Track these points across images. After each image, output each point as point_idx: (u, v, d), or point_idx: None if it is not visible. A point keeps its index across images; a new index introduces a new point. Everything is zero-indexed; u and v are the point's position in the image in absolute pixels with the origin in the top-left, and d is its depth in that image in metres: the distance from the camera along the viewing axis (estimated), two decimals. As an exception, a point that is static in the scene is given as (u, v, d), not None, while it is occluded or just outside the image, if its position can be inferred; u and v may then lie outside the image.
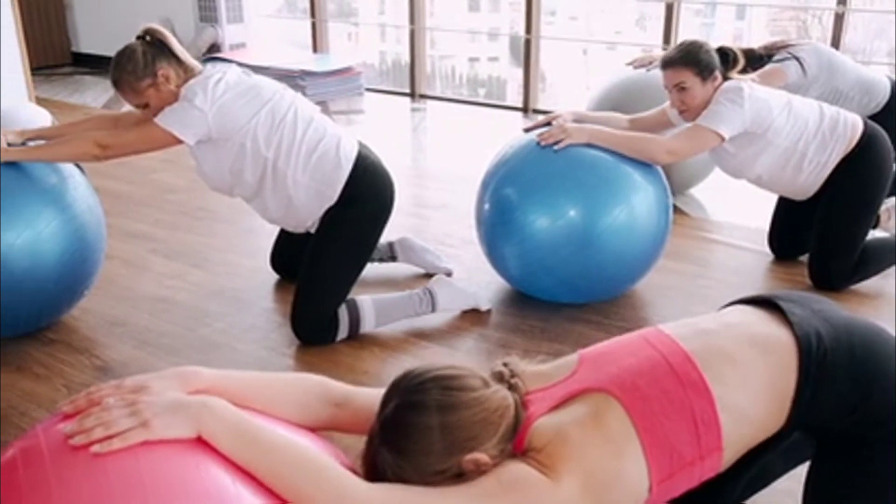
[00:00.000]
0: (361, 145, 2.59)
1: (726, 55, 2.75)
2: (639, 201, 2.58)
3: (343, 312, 2.51)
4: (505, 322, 2.69)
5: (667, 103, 2.87)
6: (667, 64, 2.73)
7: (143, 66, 2.39)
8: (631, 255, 2.61)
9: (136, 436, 1.09)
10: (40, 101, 4.73)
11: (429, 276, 2.96)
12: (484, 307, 2.73)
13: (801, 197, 2.91)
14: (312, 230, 2.57)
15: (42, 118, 3.34)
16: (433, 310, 2.64)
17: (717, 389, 1.32)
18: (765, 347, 1.38)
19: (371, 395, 1.37)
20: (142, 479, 1.04)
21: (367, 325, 2.56)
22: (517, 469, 1.23)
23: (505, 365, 1.37)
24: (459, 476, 1.22)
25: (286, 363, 2.45)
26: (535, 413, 1.31)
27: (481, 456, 1.22)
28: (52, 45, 7.40)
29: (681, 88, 2.70)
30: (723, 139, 2.64)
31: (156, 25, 2.46)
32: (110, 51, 8.24)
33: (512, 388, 1.32)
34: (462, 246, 3.28)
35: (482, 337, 2.61)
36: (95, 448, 1.07)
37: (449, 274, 2.96)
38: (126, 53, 2.41)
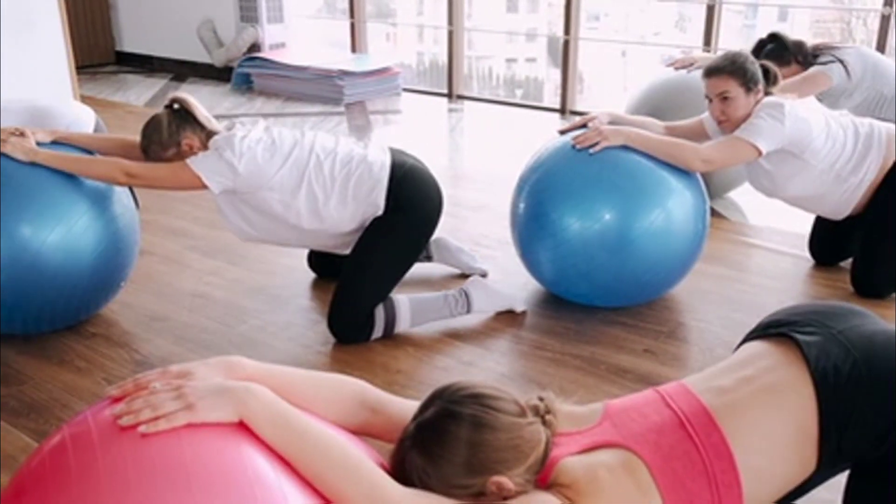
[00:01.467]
0: (394, 153, 2.61)
1: (767, 71, 2.72)
2: (675, 205, 2.55)
3: (379, 312, 2.52)
4: (539, 324, 2.68)
5: (704, 114, 2.84)
6: (711, 72, 2.70)
7: (168, 136, 2.46)
8: (667, 259, 2.59)
9: (182, 418, 1.12)
10: (84, 99, 4.81)
11: (464, 276, 2.97)
12: (519, 309, 2.73)
13: (835, 217, 2.89)
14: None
15: (86, 116, 3.39)
16: (468, 311, 2.65)
17: (738, 450, 1.34)
18: (783, 397, 1.39)
19: (405, 405, 1.39)
20: (185, 460, 1.06)
21: (403, 325, 2.57)
22: (546, 499, 1.24)
23: (541, 399, 1.38)
24: (481, 495, 1.23)
25: (321, 361, 2.47)
26: (560, 455, 1.33)
27: (506, 480, 1.23)
28: (97, 44, 7.54)
29: (724, 98, 2.67)
30: (760, 153, 2.60)
31: (181, 94, 2.53)
32: (152, 50, 8.32)
33: (545, 423, 1.34)
34: (498, 247, 3.28)
35: (516, 338, 2.60)
36: (142, 428, 1.10)
37: (484, 275, 2.96)
38: (153, 124, 2.49)
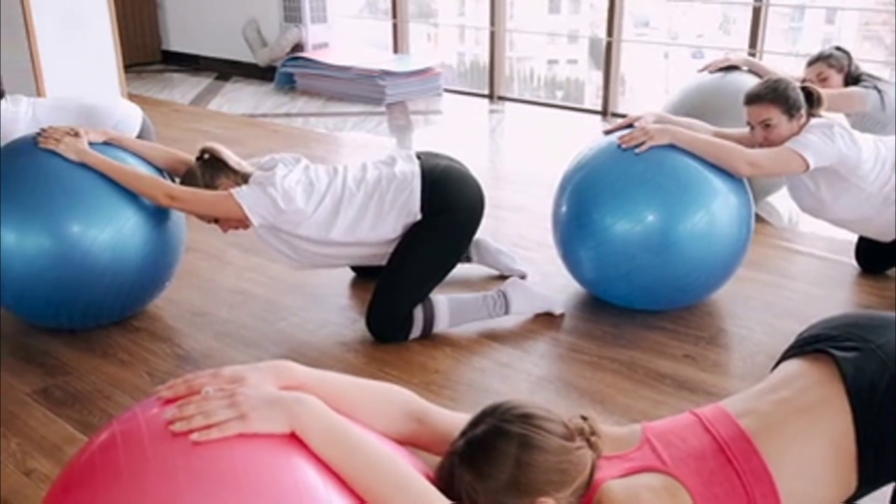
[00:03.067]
0: (423, 158, 2.62)
1: (809, 94, 2.68)
2: (720, 208, 2.52)
3: (418, 312, 2.53)
4: (578, 327, 2.67)
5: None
6: (752, 100, 2.66)
7: (203, 186, 2.49)
8: (710, 263, 2.56)
9: (234, 427, 1.11)
10: (132, 97, 4.90)
11: (503, 277, 2.96)
12: (557, 311, 2.71)
13: (883, 239, 2.84)
14: None
15: (134, 113, 3.46)
16: (506, 312, 2.64)
17: (778, 474, 1.34)
18: (820, 417, 1.38)
19: (452, 417, 1.40)
20: (236, 470, 1.06)
21: (441, 325, 2.57)
22: None
23: (584, 419, 1.38)
24: None
25: (359, 359, 2.48)
26: (603, 478, 1.32)
27: (552, 502, 1.23)
28: (144, 43, 7.67)
29: (766, 125, 2.63)
30: (808, 167, 2.56)
31: (211, 144, 2.56)
32: (198, 49, 8.44)
33: (591, 446, 1.34)
34: (537, 249, 3.27)
35: (554, 341, 2.59)
36: (194, 436, 1.10)
37: (523, 276, 2.95)
38: (188, 176, 2.53)
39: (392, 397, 1.39)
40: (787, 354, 1.58)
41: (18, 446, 2.06)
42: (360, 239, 2.52)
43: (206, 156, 2.53)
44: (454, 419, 1.37)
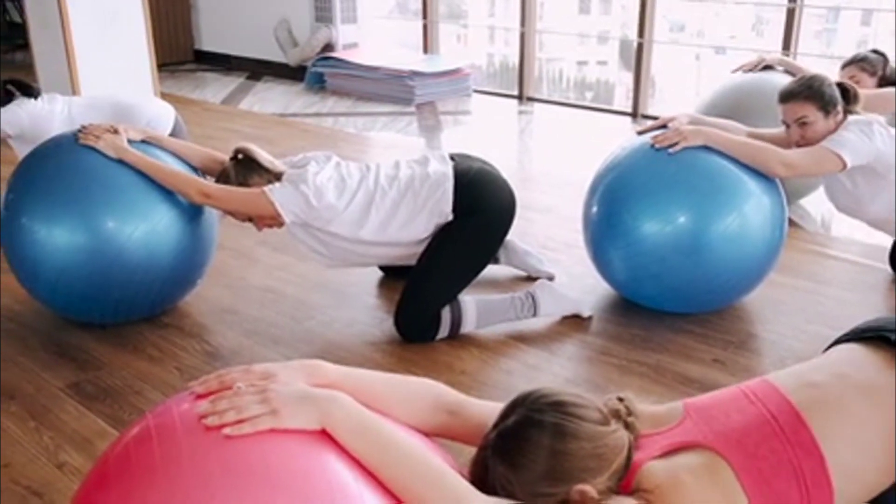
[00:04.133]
0: (457, 159, 2.62)
1: (846, 91, 2.64)
2: (753, 210, 2.50)
3: (446, 312, 2.53)
4: (606, 329, 2.65)
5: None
6: (787, 97, 2.63)
7: (237, 185, 2.52)
8: (742, 265, 2.54)
9: (266, 422, 1.12)
10: (164, 96, 4.96)
11: (531, 279, 2.95)
12: (585, 313, 2.70)
13: None
14: None
15: (166, 112, 3.50)
16: (534, 314, 2.63)
17: (828, 448, 1.30)
18: (875, 399, 1.35)
19: (484, 407, 1.39)
20: (269, 464, 1.07)
21: (468, 326, 2.57)
22: None
23: (620, 400, 1.36)
24: (565, 503, 1.22)
25: (386, 359, 2.49)
26: (642, 458, 1.30)
27: (589, 489, 1.21)
28: (177, 43, 7.75)
29: (802, 123, 2.60)
30: (844, 165, 2.52)
31: (244, 144, 2.59)
32: (230, 49, 8.50)
33: (628, 427, 1.32)
34: (565, 250, 3.26)
35: (583, 343, 2.58)
36: (227, 431, 1.11)
37: (551, 278, 2.94)
38: (222, 176, 2.56)
39: (423, 391, 1.38)
40: (841, 340, 1.53)
41: (51, 440, 2.09)
42: (391, 238, 2.53)
43: (240, 156, 2.56)
44: (488, 409, 1.35)
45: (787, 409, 1.34)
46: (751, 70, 3.62)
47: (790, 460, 1.29)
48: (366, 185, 2.52)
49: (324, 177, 2.49)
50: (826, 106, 2.58)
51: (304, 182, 2.44)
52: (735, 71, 3.69)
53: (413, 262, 2.61)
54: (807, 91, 2.59)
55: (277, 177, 2.52)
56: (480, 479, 1.26)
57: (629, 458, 1.28)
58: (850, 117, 2.61)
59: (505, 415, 1.28)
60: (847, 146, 2.52)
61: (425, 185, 2.52)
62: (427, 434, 1.37)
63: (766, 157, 2.53)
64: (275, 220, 2.49)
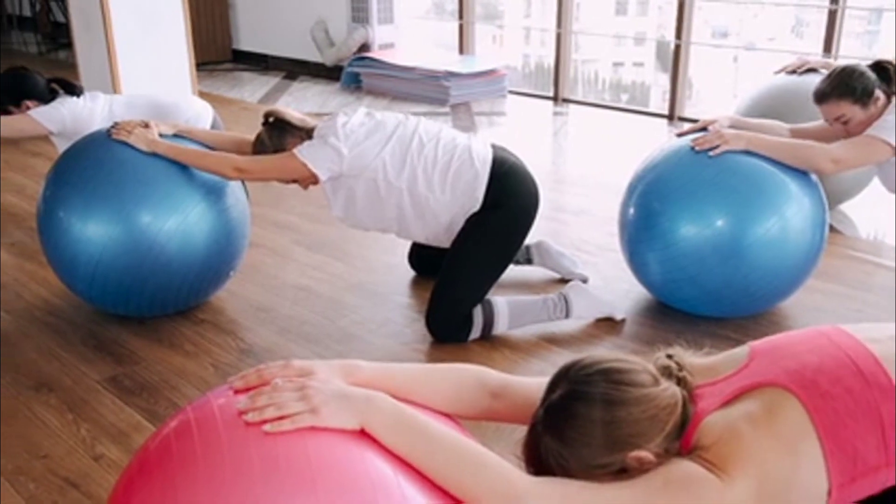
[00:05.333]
0: (497, 149, 2.61)
1: (885, 70, 2.57)
2: (793, 214, 2.46)
3: (478, 312, 2.53)
4: (639, 333, 2.63)
5: None
6: (820, 98, 2.59)
7: (273, 149, 2.55)
8: (780, 269, 2.50)
9: (305, 420, 1.12)
10: (202, 95, 5.02)
11: (564, 281, 2.94)
12: (619, 316, 2.68)
13: None
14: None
15: (205, 111, 3.53)
16: (567, 316, 2.62)
17: None
18: None
19: (529, 385, 1.36)
20: (310, 461, 1.08)
21: (501, 327, 2.57)
22: (685, 467, 1.18)
23: (669, 357, 1.32)
24: (623, 471, 1.19)
25: (418, 359, 2.49)
26: (705, 409, 1.26)
27: (645, 454, 1.19)
28: (216, 42, 7.84)
29: (843, 122, 2.55)
30: (894, 150, 2.47)
31: (274, 107, 2.62)
32: (267, 49, 8.58)
33: (680, 382, 1.27)
34: (599, 253, 3.24)
35: (615, 346, 2.56)
36: (267, 427, 1.11)
37: (585, 280, 2.93)
38: (258, 143, 2.59)
39: (464, 377, 1.37)
40: None
41: (88, 432, 2.12)
42: (422, 202, 2.50)
43: (271, 119, 2.59)
44: (534, 386, 1.33)
45: (864, 353, 1.27)
46: (793, 72, 3.57)
47: (868, 402, 1.21)
48: (402, 130, 2.52)
49: (354, 123, 2.50)
50: (861, 98, 2.53)
51: (333, 134, 2.45)
52: (778, 72, 3.63)
53: (435, 243, 2.62)
54: (838, 89, 2.55)
55: (310, 134, 2.54)
56: (534, 458, 1.25)
57: (685, 414, 1.24)
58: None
59: (550, 390, 1.26)
60: (893, 130, 2.45)
61: (464, 157, 2.50)
62: (474, 419, 1.36)
63: (812, 154, 2.48)
64: (315, 179, 2.50)
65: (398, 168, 2.48)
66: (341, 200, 2.58)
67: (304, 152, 2.45)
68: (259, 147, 2.59)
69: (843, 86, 2.54)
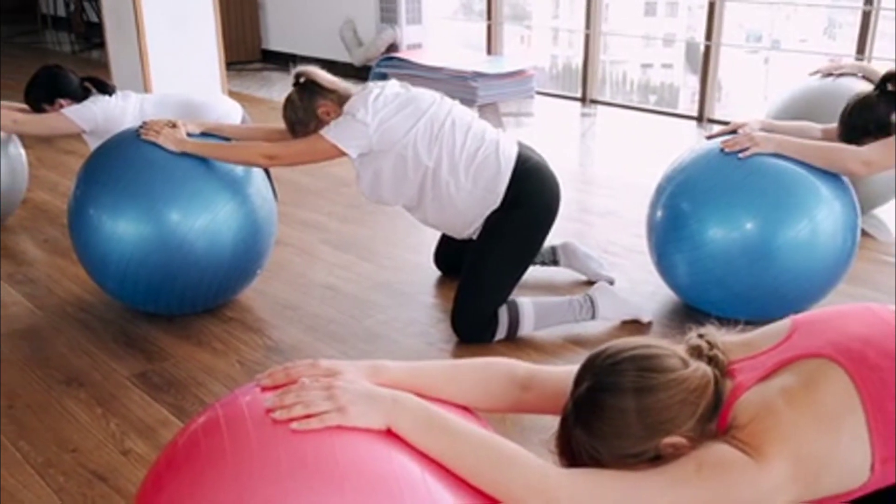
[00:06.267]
0: (522, 146, 2.60)
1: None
2: (824, 217, 2.43)
3: (503, 313, 2.53)
4: (665, 335, 2.61)
5: None
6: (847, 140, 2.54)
7: (303, 110, 2.55)
8: (810, 273, 2.47)
9: (333, 419, 1.13)
10: (232, 94, 5.06)
11: (590, 282, 2.93)
12: (645, 319, 2.67)
13: None
14: (474, 236, 2.61)
15: (234, 110, 3.56)
16: (593, 317, 2.61)
17: None
18: None
19: (558, 375, 1.36)
20: (336, 460, 1.08)
21: (526, 328, 2.56)
22: (718, 451, 1.15)
23: (701, 336, 1.30)
24: (657, 459, 1.18)
25: (444, 359, 2.49)
26: (743, 383, 1.23)
27: (679, 439, 1.17)
28: (245, 42, 7.91)
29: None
30: None
31: (303, 67, 2.62)
32: (296, 49, 8.64)
33: (711, 361, 1.25)
34: (626, 255, 3.22)
35: (642, 349, 2.55)
36: (294, 425, 1.11)
37: (611, 282, 2.91)
38: (288, 105, 2.59)
39: (492, 371, 1.37)
40: None
41: (117, 427, 2.15)
42: (443, 188, 2.49)
43: (302, 79, 2.59)
44: (563, 377, 1.31)
45: None
46: (829, 75, 3.52)
47: None
48: (437, 109, 2.50)
49: (387, 95, 2.48)
50: (864, 137, 2.47)
51: (363, 106, 2.44)
52: (813, 73, 3.59)
53: (451, 233, 2.63)
54: (854, 134, 2.50)
55: (340, 98, 2.53)
56: (567, 451, 1.24)
57: (718, 393, 1.22)
58: None
59: (577, 383, 1.24)
60: None
61: (489, 150, 2.50)
62: (505, 412, 1.35)
63: (843, 157, 2.45)
64: (345, 154, 2.48)
65: (428, 146, 2.47)
66: (369, 176, 2.56)
67: (332, 133, 2.44)
68: (290, 111, 2.58)
69: (855, 129, 2.51)
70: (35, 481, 1.94)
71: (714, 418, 1.21)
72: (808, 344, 1.24)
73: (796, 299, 2.57)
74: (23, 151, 3.61)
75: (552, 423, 1.30)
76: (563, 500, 1.13)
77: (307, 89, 2.57)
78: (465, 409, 1.33)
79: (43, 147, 4.82)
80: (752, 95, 8.19)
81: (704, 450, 1.16)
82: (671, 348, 1.25)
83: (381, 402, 1.17)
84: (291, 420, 1.12)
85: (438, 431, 1.16)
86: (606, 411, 1.19)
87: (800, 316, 1.33)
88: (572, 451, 1.23)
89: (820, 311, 1.35)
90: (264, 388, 1.22)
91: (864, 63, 3.84)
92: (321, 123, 2.53)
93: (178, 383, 2.36)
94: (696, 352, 1.27)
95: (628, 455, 1.18)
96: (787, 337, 1.28)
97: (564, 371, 1.34)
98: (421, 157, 2.48)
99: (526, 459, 1.15)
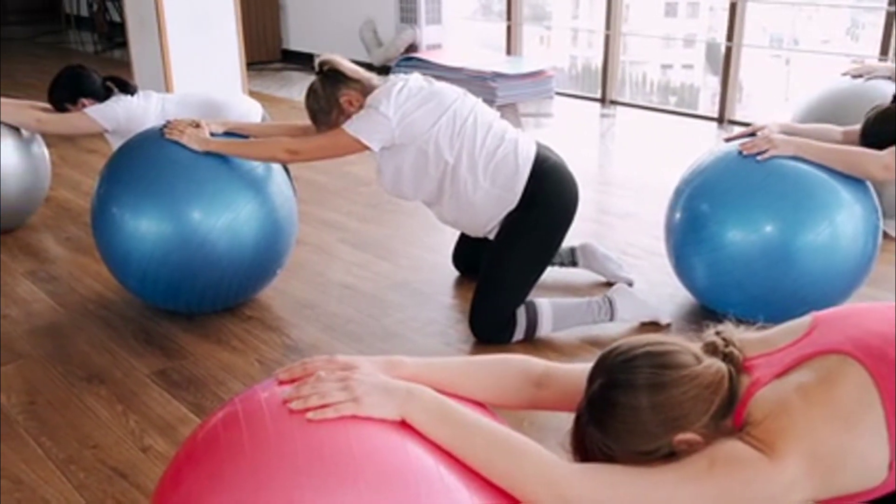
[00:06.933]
0: (540, 146, 2.60)
1: None
2: (844, 220, 2.41)
3: (521, 314, 2.53)
4: (685, 338, 2.60)
5: None
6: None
7: (326, 100, 2.55)
8: (830, 276, 2.45)
9: (348, 409, 1.15)
10: (252, 94, 5.08)
11: (609, 284, 2.92)
12: (664, 321, 2.66)
13: None
14: (491, 236, 2.61)
15: (255, 110, 3.59)
16: (611, 319, 2.61)
17: None
18: None
19: (574, 372, 1.36)
20: (352, 450, 1.10)
21: (544, 329, 2.56)
22: (731, 447, 1.15)
23: (718, 334, 1.29)
24: (671, 456, 1.18)
25: (461, 359, 2.49)
26: (760, 380, 1.22)
27: (692, 436, 1.17)
28: (266, 42, 7.94)
29: None
30: None
31: (327, 55, 2.61)
32: (316, 49, 8.68)
33: (727, 357, 1.24)
34: (645, 256, 3.21)
35: (660, 351, 2.54)
36: (310, 415, 1.14)
37: (630, 284, 2.90)
38: (310, 94, 2.59)
39: (507, 368, 1.37)
40: None
41: (136, 424, 2.17)
42: (460, 185, 2.49)
43: (325, 68, 2.59)
44: (577, 374, 1.32)
45: None
46: (859, 76, 3.48)
47: None
48: (460, 105, 2.50)
49: (411, 87, 2.48)
50: (885, 143, 2.43)
51: (386, 98, 2.43)
52: (844, 74, 3.55)
53: (467, 231, 2.62)
54: (877, 140, 2.46)
55: (363, 88, 2.53)
56: (581, 448, 1.24)
57: (732, 389, 1.21)
58: None
59: (591, 380, 1.25)
60: None
61: (508, 149, 2.50)
62: (520, 409, 1.36)
63: (862, 161, 2.43)
64: (367, 148, 2.48)
65: (449, 141, 2.47)
66: (391, 171, 2.56)
67: (354, 126, 2.44)
68: (312, 100, 2.58)
69: (876, 138, 2.47)
70: (56, 477, 1.96)
71: (729, 415, 1.20)
72: (826, 340, 1.23)
73: (816, 303, 2.53)
74: (46, 150, 3.65)
75: (569, 423, 1.30)
76: (574, 493, 1.13)
77: (330, 78, 2.57)
78: (481, 405, 1.34)
79: (66, 146, 4.87)
80: (774, 96, 8.12)
81: (718, 446, 1.16)
82: (684, 345, 1.24)
83: (396, 394, 1.18)
84: (307, 410, 1.14)
85: (452, 423, 1.17)
86: (619, 408, 1.19)
87: (820, 312, 1.32)
88: (586, 449, 1.23)
89: (841, 308, 1.34)
90: (282, 382, 1.24)
91: (892, 64, 3.79)
92: (343, 112, 2.53)
93: (197, 381, 2.38)
94: (712, 348, 1.26)
95: (642, 452, 1.18)
96: (807, 333, 1.27)
97: (580, 368, 1.34)
98: (442, 152, 2.48)
99: (538, 453, 1.16)
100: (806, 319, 1.31)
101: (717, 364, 1.22)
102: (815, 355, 1.21)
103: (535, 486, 1.14)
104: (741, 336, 1.31)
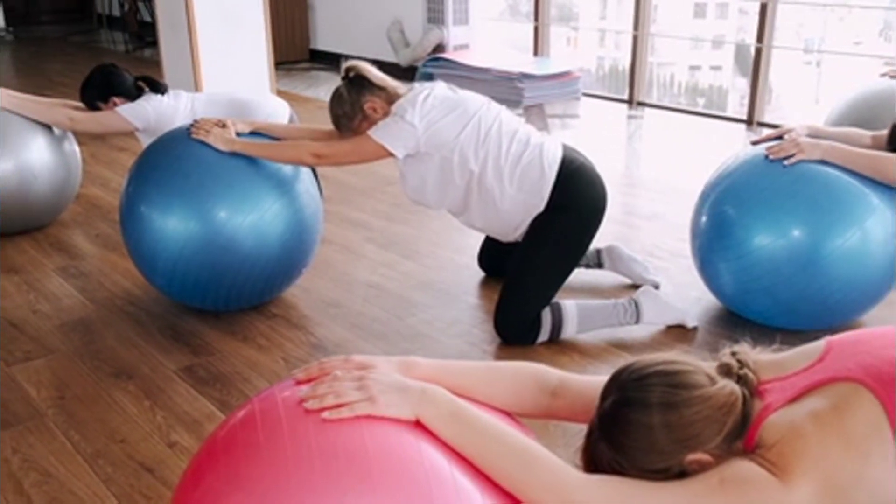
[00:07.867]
0: (567, 149, 2.59)
1: None
2: (874, 225, 2.38)
3: (546, 315, 2.52)
4: (711, 342, 2.58)
5: None
6: None
7: (350, 105, 2.56)
8: (859, 282, 2.42)
9: (363, 408, 1.16)
10: (280, 93, 5.12)
11: (635, 286, 2.90)
12: (690, 324, 2.64)
13: None
14: (520, 239, 2.61)
15: (282, 109, 3.61)
16: (637, 321, 2.59)
17: None
18: None
19: (588, 383, 1.36)
20: (366, 449, 1.11)
21: (569, 331, 2.55)
22: (742, 467, 1.15)
23: (733, 355, 1.29)
24: (681, 475, 1.18)
25: (486, 359, 2.49)
26: (772, 404, 1.21)
27: (704, 456, 1.16)
28: (294, 42, 7.99)
29: None
30: None
31: (354, 62, 2.63)
32: (343, 49, 8.69)
33: (741, 380, 1.24)
34: (671, 259, 3.19)
35: (686, 355, 2.52)
36: (325, 414, 1.15)
37: (656, 286, 2.88)
38: (335, 98, 2.60)
39: (523, 376, 1.38)
40: None
41: (163, 419, 2.19)
42: (488, 191, 2.50)
43: (352, 74, 2.60)
44: (592, 386, 1.32)
45: None
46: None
47: None
48: (485, 112, 2.50)
49: (437, 96, 2.48)
50: None
51: (412, 106, 2.45)
52: (883, 75, 3.49)
53: (497, 236, 2.62)
54: None
55: (388, 96, 2.55)
56: (591, 463, 1.24)
57: (745, 412, 1.20)
58: None
59: (604, 397, 1.25)
60: None
61: (534, 154, 2.49)
62: (533, 417, 1.36)
63: (888, 166, 2.40)
64: (392, 155, 2.49)
65: (475, 150, 2.48)
66: (416, 179, 2.57)
67: (379, 133, 2.46)
68: (336, 104, 2.59)
69: None
70: (84, 471, 1.99)
71: (741, 437, 1.20)
72: (839, 366, 1.22)
73: (844, 309, 2.52)
74: (77, 148, 3.70)
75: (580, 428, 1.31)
76: (582, 502, 1.13)
77: (355, 84, 2.58)
78: (507, 413, 1.35)
79: (97, 144, 4.93)
80: (804, 98, 8.04)
81: (729, 465, 1.16)
82: (698, 364, 1.25)
83: (411, 394, 1.19)
84: (323, 410, 1.16)
85: (464, 425, 1.18)
86: (631, 426, 1.19)
87: (835, 337, 1.31)
88: (596, 465, 1.23)
89: (856, 333, 1.33)
90: (298, 382, 1.26)
91: None
92: (366, 119, 2.55)
93: (223, 378, 2.40)
94: (726, 370, 1.26)
95: (652, 470, 1.18)
96: (820, 359, 1.26)
97: (595, 380, 1.34)
98: (468, 161, 2.48)
99: (549, 461, 1.16)
100: (819, 344, 1.31)
101: (730, 385, 1.22)
102: (828, 382, 1.21)
103: (544, 492, 1.14)
104: (756, 358, 1.30)
